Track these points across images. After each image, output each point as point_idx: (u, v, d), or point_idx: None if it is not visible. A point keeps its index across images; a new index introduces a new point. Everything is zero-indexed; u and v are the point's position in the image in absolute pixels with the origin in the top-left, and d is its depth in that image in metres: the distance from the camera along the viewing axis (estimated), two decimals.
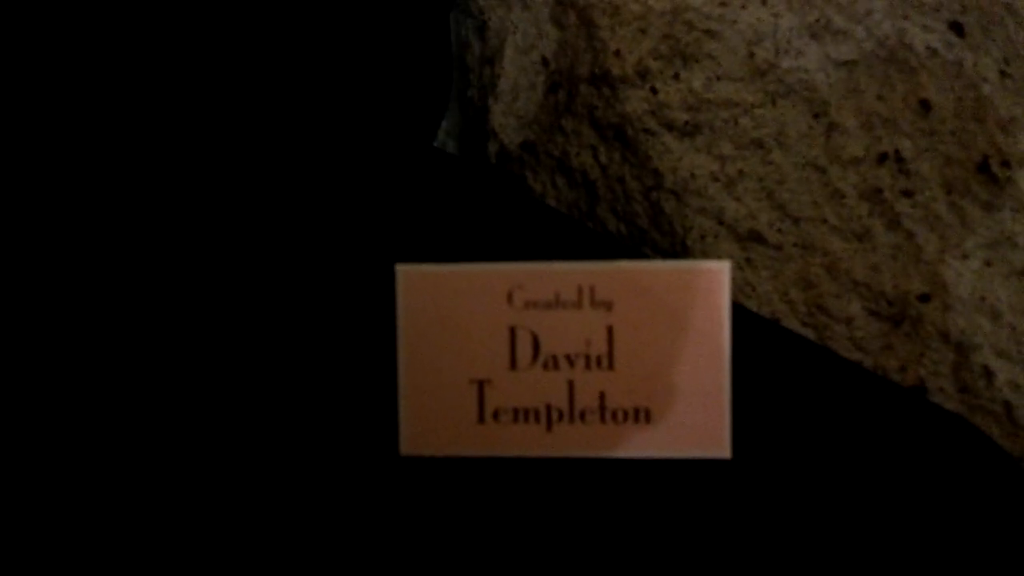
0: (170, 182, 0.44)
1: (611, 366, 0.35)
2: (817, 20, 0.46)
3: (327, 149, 0.52)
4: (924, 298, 0.44)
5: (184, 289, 0.42)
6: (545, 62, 0.53)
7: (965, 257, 0.43)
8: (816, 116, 0.46)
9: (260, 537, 0.35)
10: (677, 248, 0.49)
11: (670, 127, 0.49)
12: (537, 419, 0.36)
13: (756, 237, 0.48)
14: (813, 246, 0.47)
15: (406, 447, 0.36)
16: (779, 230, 0.47)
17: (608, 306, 0.35)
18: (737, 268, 0.48)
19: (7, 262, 0.39)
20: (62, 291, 0.38)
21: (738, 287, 0.48)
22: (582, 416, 0.35)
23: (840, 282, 0.46)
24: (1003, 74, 0.41)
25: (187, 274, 0.43)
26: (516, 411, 0.36)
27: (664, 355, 0.35)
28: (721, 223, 0.48)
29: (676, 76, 0.48)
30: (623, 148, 0.51)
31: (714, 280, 0.35)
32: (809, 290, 0.47)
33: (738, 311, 0.37)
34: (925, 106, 0.43)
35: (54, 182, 0.41)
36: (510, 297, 0.35)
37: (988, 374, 0.43)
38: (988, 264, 0.43)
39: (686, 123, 0.49)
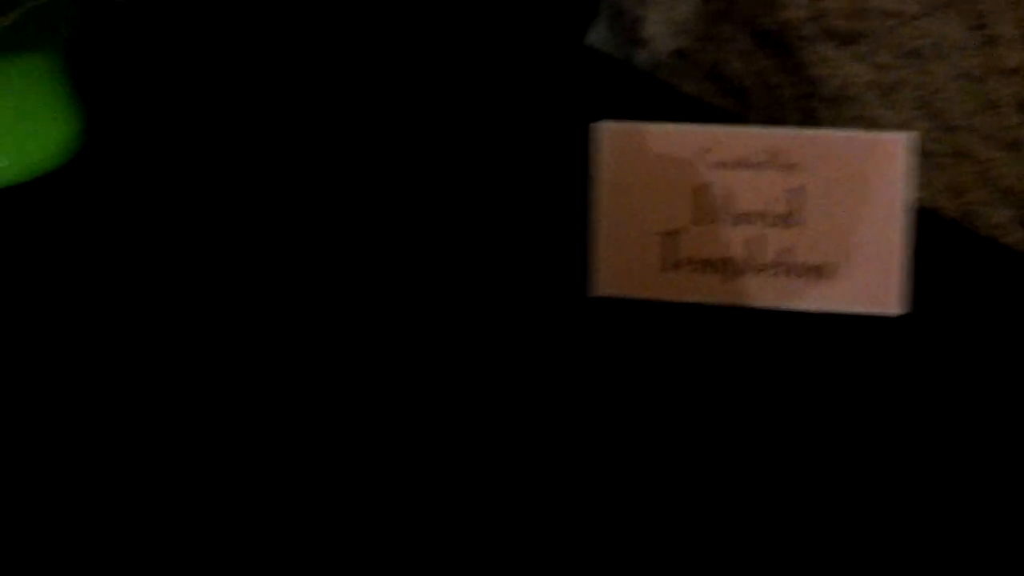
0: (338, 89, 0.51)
1: (793, 224, 0.41)
2: None
3: (477, 50, 0.58)
4: None
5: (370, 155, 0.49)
6: None
7: None
8: (975, 27, 0.51)
9: (458, 367, 0.40)
10: None
11: (830, 35, 0.54)
12: (720, 270, 0.41)
13: None
14: (965, 155, 0.52)
15: (596, 289, 0.42)
16: (933, 139, 0.52)
17: (794, 168, 0.40)
18: None
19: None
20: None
21: None
22: (763, 270, 0.41)
23: (990, 190, 0.51)
24: None
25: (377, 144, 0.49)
26: (700, 262, 0.41)
27: (844, 216, 0.40)
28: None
29: None
30: (779, 56, 0.56)
31: (894, 149, 0.40)
32: (959, 198, 0.52)
33: None
34: None
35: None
36: (702, 156, 0.41)
37: None
38: None
39: (846, 31, 0.54)
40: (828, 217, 0.41)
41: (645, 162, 0.41)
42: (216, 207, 0.47)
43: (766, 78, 0.57)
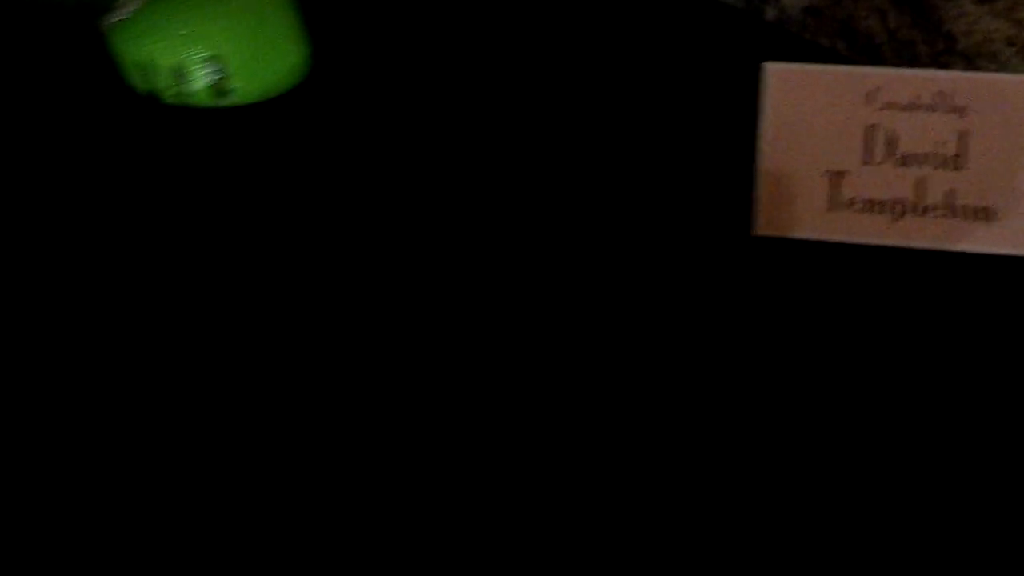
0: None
1: (960, 167, 0.41)
2: None
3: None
4: None
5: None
6: None
7: None
8: None
9: (625, 307, 0.41)
10: None
11: None
12: (887, 211, 0.42)
13: None
14: None
15: (760, 228, 0.43)
16: None
17: (962, 112, 0.41)
18: None
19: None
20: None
21: None
22: (929, 211, 0.42)
23: None
24: None
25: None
26: (866, 202, 0.42)
27: (1011, 160, 0.41)
28: None
29: None
30: (915, 13, 0.56)
31: None
32: None
33: None
34: None
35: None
36: (870, 97, 0.42)
37: None
38: None
39: None
40: (995, 159, 0.41)
41: (813, 103, 0.42)
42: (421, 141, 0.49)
43: (900, 35, 0.57)
